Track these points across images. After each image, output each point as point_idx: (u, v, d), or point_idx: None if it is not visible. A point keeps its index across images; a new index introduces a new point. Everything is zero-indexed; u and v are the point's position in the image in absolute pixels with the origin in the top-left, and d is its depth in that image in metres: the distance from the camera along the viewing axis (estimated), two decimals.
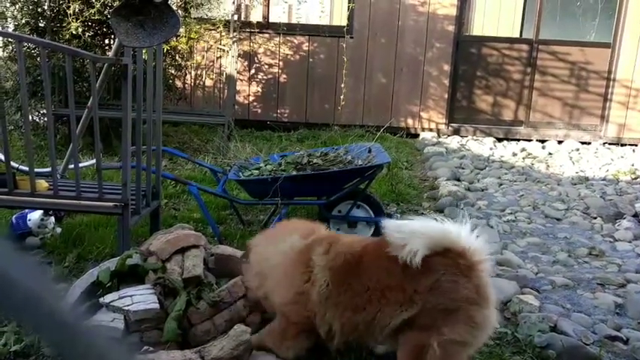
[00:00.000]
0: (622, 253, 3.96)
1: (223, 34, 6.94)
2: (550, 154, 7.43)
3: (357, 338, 2.11)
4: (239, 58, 7.49)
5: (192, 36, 6.54)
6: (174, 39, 6.13)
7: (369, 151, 3.96)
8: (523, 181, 5.91)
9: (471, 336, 1.93)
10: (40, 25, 5.93)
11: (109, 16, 4.70)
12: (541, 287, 3.21)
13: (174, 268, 2.48)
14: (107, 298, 2.25)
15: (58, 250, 3.34)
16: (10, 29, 5.91)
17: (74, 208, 3.08)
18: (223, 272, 2.65)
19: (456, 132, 8.28)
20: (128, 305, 2.19)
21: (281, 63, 8.07)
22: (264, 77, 8.12)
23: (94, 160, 3.83)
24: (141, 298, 2.24)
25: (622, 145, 8.22)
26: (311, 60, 8.08)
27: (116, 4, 4.96)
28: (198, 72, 7.22)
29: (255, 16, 8.05)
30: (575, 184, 5.86)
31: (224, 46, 6.88)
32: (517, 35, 8.66)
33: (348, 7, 7.84)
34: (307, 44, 8.04)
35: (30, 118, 5.78)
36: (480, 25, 8.83)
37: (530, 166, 6.67)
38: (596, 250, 3.93)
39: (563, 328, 2.64)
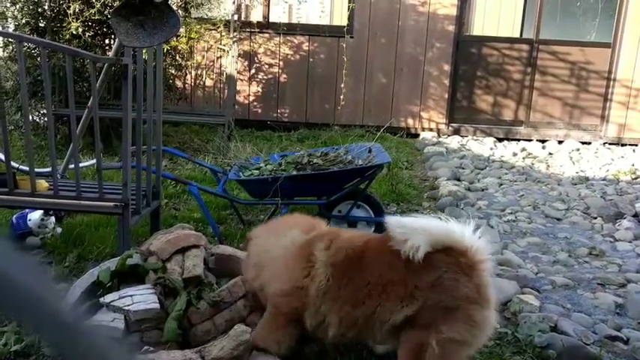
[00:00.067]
0: (622, 253, 3.95)
1: (223, 34, 6.94)
2: (550, 154, 7.42)
3: (356, 333, 2.10)
4: (239, 58, 7.49)
5: (192, 36, 6.55)
6: (175, 39, 6.13)
7: (370, 151, 3.96)
8: (523, 181, 5.91)
9: (470, 335, 1.94)
10: (40, 25, 5.93)
11: (109, 16, 4.71)
12: (541, 287, 3.21)
13: (174, 268, 2.48)
14: (107, 298, 2.25)
15: (59, 250, 3.34)
16: (11, 29, 5.92)
17: (74, 208, 3.08)
18: (223, 272, 2.65)
19: (456, 132, 8.28)
20: (128, 305, 2.19)
21: (281, 63, 8.08)
22: (265, 77, 8.12)
23: (94, 160, 3.83)
24: (141, 298, 2.24)
25: (622, 145, 8.21)
26: (311, 60, 8.08)
27: (116, 4, 4.96)
28: (199, 72, 7.22)
29: (256, 16, 8.05)
30: (576, 184, 5.85)
31: (224, 45, 6.88)
32: (517, 35, 8.66)
33: (348, 7, 7.84)
34: (307, 44, 8.05)
35: (30, 118, 5.78)
36: (480, 25, 8.83)
37: (530, 166, 6.67)
38: (596, 250, 3.93)
39: (563, 328, 2.64)
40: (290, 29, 7.91)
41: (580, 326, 2.69)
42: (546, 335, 2.55)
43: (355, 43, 7.94)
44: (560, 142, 8.06)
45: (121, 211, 2.90)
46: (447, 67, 8.13)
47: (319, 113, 8.15)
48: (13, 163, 3.10)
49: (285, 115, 8.19)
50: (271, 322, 2.19)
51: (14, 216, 3.56)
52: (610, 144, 8.19)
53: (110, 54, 3.59)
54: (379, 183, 4.96)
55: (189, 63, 6.88)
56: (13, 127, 5.94)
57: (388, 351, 2.25)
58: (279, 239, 2.27)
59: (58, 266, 3.11)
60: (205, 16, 6.99)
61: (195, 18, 6.67)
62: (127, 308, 2.17)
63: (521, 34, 8.65)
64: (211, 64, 7.26)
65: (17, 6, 5.92)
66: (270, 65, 8.08)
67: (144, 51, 3.17)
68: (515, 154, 7.24)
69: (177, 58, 6.53)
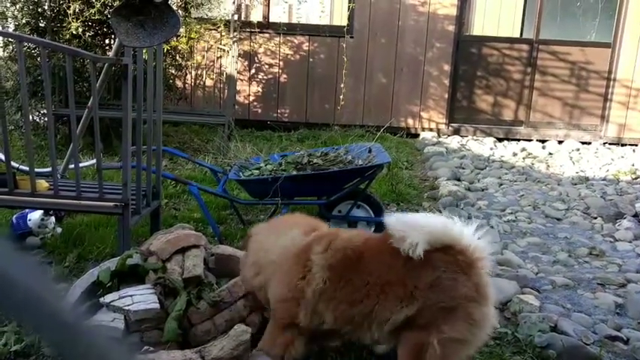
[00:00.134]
0: (622, 253, 3.95)
1: (223, 33, 6.94)
2: (550, 154, 7.43)
3: (352, 331, 2.10)
4: (239, 58, 7.49)
5: (192, 36, 6.55)
6: (175, 39, 6.13)
7: (370, 151, 3.96)
8: (523, 181, 5.91)
9: (470, 334, 1.94)
10: (40, 25, 5.93)
11: (109, 16, 4.71)
12: (541, 287, 3.21)
13: (174, 268, 2.48)
14: (107, 298, 2.25)
15: (59, 250, 3.34)
16: (11, 29, 5.92)
17: (74, 208, 3.08)
18: (223, 272, 2.65)
19: (456, 132, 8.28)
20: (128, 305, 2.19)
21: (281, 63, 8.08)
22: (265, 77, 8.12)
23: (94, 160, 3.83)
24: (141, 298, 2.24)
25: (622, 145, 8.22)
26: (311, 60, 8.08)
27: (116, 4, 4.96)
28: (199, 72, 7.22)
29: (256, 16, 8.05)
30: (576, 184, 5.85)
31: (224, 45, 6.88)
32: (517, 35, 8.66)
33: (349, 7, 7.84)
34: (307, 44, 8.05)
35: (30, 118, 5.78)
36: (481, 25, 8.82)
37: (530, 166, 6.67)
38: (596, 250, 3.93)
39: (563, 328, 2.64)
40: (290, 29, 7.91)
41: (580, 326, 2.69)
42: (546, 335, 2.55)
43: (355, 43, 7.94)
44: (560, 142, 8.06)
45: (121, 211, 2.90)
46: (447, 67, 8.13)
47: (319, 113, 8.15)
48: (13, 163, 3.10)
49: (285, 115, 8.19)
50: (275, 328, 2.19)
51: (14, 216, 3.56)
52: (610, 144, 8.19)
53: (110, 54, 3.59)
54: (379, 183, 4.96)
55: (189, 63, 6.88)
56: (13, 127, 5.94)
57: (388, 351, 2.25)
58: (279, 238, 2.26)
59: (58, 266, 3.11)
60: (205, 16, 7.00)
61: (195, 18, 6.67)
62: (127, 308, 2.17)
63: (521, 34, 8.65)
64: (211, 64, 7.26)
65: (17, 6, 5.92)
66: (270, 65, 8.08)
67: (144, 51, 3.17)
68: (515, 154, 7.25)
69: (178, 58, 6.53)
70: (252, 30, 7.83)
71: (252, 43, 7.96)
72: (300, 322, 2.10)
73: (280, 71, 8.10)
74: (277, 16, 8.08)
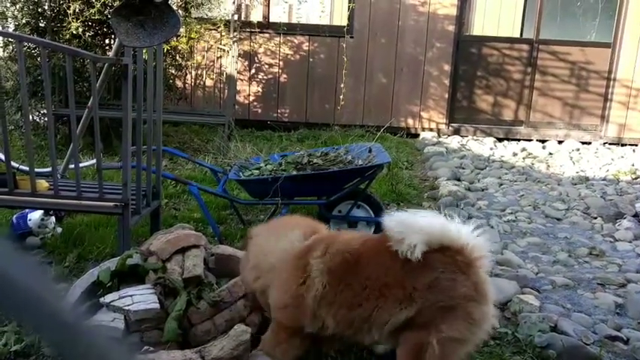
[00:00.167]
0: (622, 253, 3.95)
1: (223, 33, 6.94)
2: (550, 154, 7.43)
3: (353, 335, 2.10)
4: (239, 58, 7.49)
5: (192, 36, 6.55)
6: (175, 39, 6.13)
7: (370, 151, 3.95)
8: (523, 181, 5.91)
9: (469, 333, 1.94)
10: (40, 25, 5.93)
11: (109, 16, 4.71)
12: (541, 287, 3.21)
13: (174, 268, 2.48)
14: (107, 298, 2.25)
15: (59, 250, 3.34)
16: (11, 29, 5.92)
17: (74, 208, 3.08)
18: (224, 272, 2.65)
19: (457, 132, 8.28)
20: (128, 305, 2.19)
21: (281, 63, 8.08)
22: (265, 77, 8.12)
23: (94, 160, 3.83)
24: (141, 298, 2.24)
25: (622, 145, 8.22)
26: (311, 60, 8.08)
27: (116, 4, 4.96)
28: (199, 72, 7.22)
29: (256, 16, 8.05)
30: (576, 184, 5.85)
31: (224, 45, 6.88)
32: (517, 35, 8.66)
33: (349, 7, 7.84)
34: (307, 44, 8.05)
35: (30, 118, 5.78)
36: (481, 25, 8.83)
37: (530, 166, 6.67)
38: (596, 250, 3.93)
39: (563, 328, 2.63)
40: (290, 29, 7.91)
41: (580, 326, 2.69)
42: (546, 335, 2.55)
43: (355, 43, 7.94)
44: (560, 142, 8.06)
45: (121, 211, 2.90)
46: (447, 67, 8.13)
47: (319, 113, 8.15)
48: (13, 163, 3.10)
49: (285, 115, 8.19)
50: (275, 333, 2.19)
51: (14, 216, 3.56)
52: (610, 144, 8.19)
53: (110, 54, 3.59)
54: (379, 183, 4.96)
55: (189, 63, 6.89)
56: (13, 127, 5.94)
57: (387, 351, 2.25)
58: (278, 241, 2.25)
59: (58, 266, 3.11)
60: (205, 16, 7.00)
61: (195, 18, 6.67)
62: (127, 308, 2.18)
63: (521, 34, 8.65)
64: (211, 64, 7.26)
65: (17, 6, 5.92)
66: (270, 65, 8.08)
67: (144, 51, 3.17)
68: (515, 154, 7.25)
69: (178, 58, 6.53)
70: (252, 30, 7.83)
71: (252, 43, 7.96)
72: (301, 326, 2.10)
73: (280, 71, 8.10)
74: (277, 16, 8.08)
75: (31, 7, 5.85)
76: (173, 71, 6.54)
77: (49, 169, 3.38)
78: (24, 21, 5.84)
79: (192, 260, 2.53)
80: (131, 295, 2.25)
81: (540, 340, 2.53)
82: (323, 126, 7.85)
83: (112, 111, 5.62)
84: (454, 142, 7.75)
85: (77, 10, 5.53)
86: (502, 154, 7.19)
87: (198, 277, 2.44)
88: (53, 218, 3.60)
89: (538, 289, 3.16)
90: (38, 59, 5.73)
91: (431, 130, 8.25)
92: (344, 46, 7.84)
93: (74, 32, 5.55)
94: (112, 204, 2.92)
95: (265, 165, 3.93)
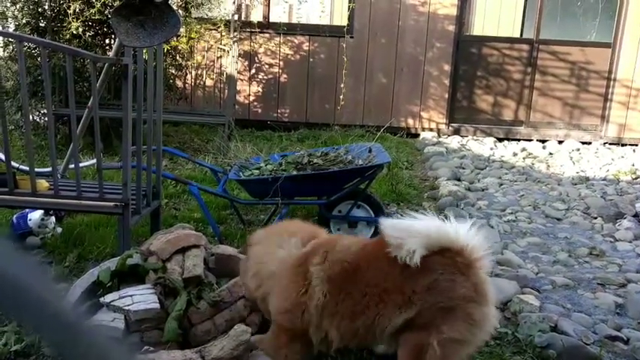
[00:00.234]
0: (622, 253, 3.95)
1: (224, 33, 6.94)
2: (550, 154, 7.43)
3: (358, 343, 2.11)
4: (239, 58, 7.49)
5: (192, 36, 6.55)
6: (175, 39, 6.13)
7: (370, 151, 3.95)
8: (523, 181, 5.91)
9: (470, 334, 1.93)
10: (40, 24, 5.93)
11: (109, 16, 4.71)
12: (541, 287, 3.21)
13: (174, 268, 2.48)
14: (107, 298, 2.25)
15: (59, 249, 3.34)
16: (11, 29, 5.92)
17: (75, 207, 3.08)
18: (224, 272, 2.65)
19: (457, 132, 8.28)
20: (128, 305, 2.19)
21: (281, 63, 8.08)
22: (265, 77, 8.12)
23: (94, 160, 3.83)
24: (141, 298, 2.24)
25: (622, 145, 8.22)
26: (311, 60, 8.08)
27: (117, 3, 4.97)
28: (199, 72, 7.22)
29: (256, 16, 8.05)
30: (576, 184, 5.86)
31: (224, 45, 6.88)
32: (517, 35, 8.66)
33: (349, 7, 7.84)
34: (307, 44, 8.05)
35: (30, 117, 5.78)
36: (481, 25, 8.83)
37: (530, 166, 6.67)
38: (596, 250, 3.93)
39: (563, 328, 2.63)
40: (290, 29, 7.91)
41: (580, 326, 2.69)
42: (546, 335, 2.55)
43: (355, 43, 7.94)
44: (560, 142, 8.06)
45: (121, 211, 2.90)
46: (447, 67, 8.13)
47: (319, 113, 8.15)
48: (13, 163, 3.10)
49: (286, 115, 8.19)
50: (276, 338, 2.18)
51: (14, 216, 3.56)
52: (610, 144, 8.20)
53: (110, 54, 3.59)
54: (379, 183, 4.96)
55: (189, 63, 6.89)
56: (13, 127, 5.94)
57: (387, 351, 2.25)
58: (278, 249, 2.24)
59: (58, 266, 3.11)
60: (205, 16, 7.00)
61: (195, 18, 6.67)
62: (127, 308, 2.18)
63: (521, 34, 8.65)
64: (211, 64, 7.26)
65: (17, 6, 5.92)
66: (271, 65, 8.08)
67: (144, 51, 3.17)
68: (515, 154, 7.25)
69: (178, 58, 6.53)
70: (253, 30, 7.83)
71: (252, 43, 7.96)
72: (301, 329, 2.10)
73: (280, 71, 8.10)
74: (277, 16, 8.08)
75: (31, 7, 5.85)
76: (173, 71, 6.54)
77: (49, 169, 3.38)
78: (24, 21, 5.84)
79: (193, 260, 2.53)
80: (131, 295, 2.25)
81: (540, 340, 2.53)
82: (323, 126, 7.86)
83: (112, 111, 5.62)
84: (454, 142, 7.75)
85: (77, 10, 5.53)
86: (502, 154, 7.19)
87: (198, 277, 2.44)
88: (53, 218, 3.60)
89: (538, 289, 3.16)
90: (38, 59, 5.73)
91: (431, 130, 8.25)
92: (344, 46, 7.84)
93: (74, 32, 5.55)
94: (112, 204, 2.92)
95: (265, 165, 3.93)
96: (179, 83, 6.91)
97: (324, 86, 8.08)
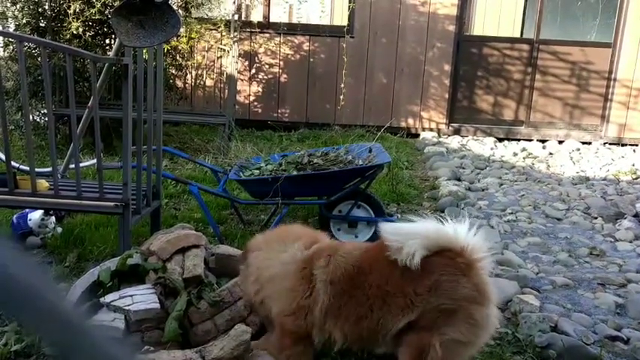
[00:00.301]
0: (623, 253, 3.95)
1: (224, 33, 6.94)
2: (551, 154, 7.42)
3: (361, 345, 2.11)
4: (240, 58, 7.49)
5: (192, 36, 6.55)
6: (175, 39, 6.13)
7: (370, 151, 3.95)
8: (524, 181, 5.91)
9: (472, 335, 1.93)
10: (40, 24, 5.93)
11: (109, 16, 4.71)
12: (542, 287, 3.20)
13: (174, 268, 2.48)
14: (108, 298, 2.25)
15: (59, 249, 3.34)
16: (11, 29, 5.92)
17: (75, 207, 3.08)
18: (224, 272, 2.65)
19: (457, 132, 8.28)
20: (129, 305, 2.19)
21: (282, 63, 8.08)
22: (265, 77, 8.12)
23: (94, 160, 3.83)
24: (141, 298, 2.24)
25: (623, 145, 8.22)
26: (311, 60, 8.08)
27: (117, 3, 4.96)
28: (199, 72, 7.22)
29: (256, 16, 8.05)
30: (576, 184, 5.85)
31: (225, 45, 6.88)
32: (518, 35, 8.67)
33: (349, 6, 7.84)
34: (308, 44, 8.05)
35: (30, 117, 5.78)
36: (481, 25, 8.83)
37: (530, 166, 6.67)
38: (596, 250, 3.93)
39: (563, 328, 2.63)
40: (290, 29, 7.92)
41: (580, 326, 2.69)
42: (546, 335, 2.55)
43: (355, 42, 7.94)
44: (560, 142, 8.06)
45: (122, 211, 2.90)
46: (447, 67, 8.13)
47: (319, 113, 8.15)
48: (13, 163, 3.10)
49: (286, 115, 8.19)
50: (280, 341, 2.18)
51: (15, 216, 3.56)
52: (610, 144, 8.20)
53: (111, 54, 3.59)
54: (379, 183, 4.96)
55: (189, 63, 6.89)
56: (13, 127, 5.94)
57: (387, 351, 2.25)
58: (279, 254, 2.24)
59: (59, 266, 3.11)
60: (206, 16, 7.00)
61: (195, 18, 6.68)
62: (127, 308, 2.18)
63: (521, 34, 8.65)
64: (212, 64, 7.26)
65: (18, 6, 5.92)
66: (271, 65, 8.08)
67: (144, 51, 3.17)
68: (515, 154, 7.24)
69: (178, 58, 6.53)
70: (253, 30, 7.83)
71: (252, 43, 7.96)
72: (305, 332, 2.11)
73: (280, 71, 8.10)
74: (277, 16, 8.08)
75: (31, 6, 5.85)
76: (173, 71, 6.54)
77: (49, 169, 3.38)
78: (24, 21, 5.84)
79: (193, 260, 2.53)
80: (131, 295, 2.25)
81: (540, 340, 2.53)
82: (323, 126, 7.86)
83: (113, 111, 5.62)
84: (454, 142, 7.75)
85: (77, 10, 5.53)
86: (502, 154, 7.19)
87: (198, 277, 2.44)
88: (53, 218, 3.60)
89: (538, 289, 3.16)
90: (39, 59, 5.73)
91: (431, 130, 8.24)
92: (344, 45, 7.84)
93: (74, 32, 5.55)
94: (112, 204, 2.92)
95: (265, 165, 3.93)
96: (179, 83, 6.91)
97: (325, 86, 8.09)
